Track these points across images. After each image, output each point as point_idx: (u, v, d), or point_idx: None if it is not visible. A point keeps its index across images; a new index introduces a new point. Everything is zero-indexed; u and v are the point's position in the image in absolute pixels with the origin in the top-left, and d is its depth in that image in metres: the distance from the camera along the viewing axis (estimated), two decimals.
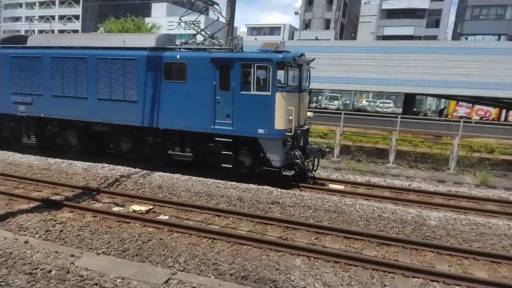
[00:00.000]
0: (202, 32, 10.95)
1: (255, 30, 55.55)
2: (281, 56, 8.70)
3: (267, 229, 6.83)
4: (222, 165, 9.44)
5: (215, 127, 9.30)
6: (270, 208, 7.83)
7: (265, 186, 9.14)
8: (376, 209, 7.86)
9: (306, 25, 46.50)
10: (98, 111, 10.60)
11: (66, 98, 10.96)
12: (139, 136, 10.58)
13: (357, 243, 6.37)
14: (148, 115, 9.97)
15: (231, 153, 9.32)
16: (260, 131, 8.87)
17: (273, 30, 55.10)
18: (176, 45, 10.47)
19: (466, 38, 34.44)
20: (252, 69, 8.78)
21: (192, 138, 9.84)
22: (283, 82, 8.72)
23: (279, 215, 7.49)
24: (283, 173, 9.06)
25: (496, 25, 33.72)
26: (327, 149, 10.10)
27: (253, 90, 8.85)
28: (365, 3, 60.58)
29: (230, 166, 9.39)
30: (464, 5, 37.47)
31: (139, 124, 10.16)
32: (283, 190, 8.88)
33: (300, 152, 9.19)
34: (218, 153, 9.46)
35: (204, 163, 10.08)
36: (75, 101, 10.84)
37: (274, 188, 8.96)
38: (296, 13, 41.31)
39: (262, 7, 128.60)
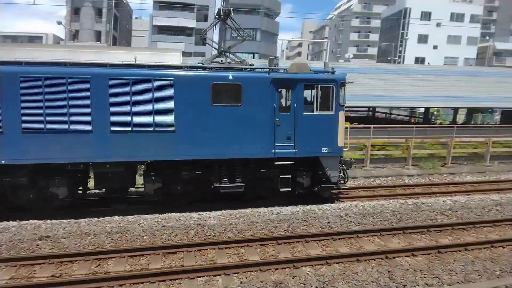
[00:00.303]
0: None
1: (9, 38, 47.39)
2: (342, 77, 9.24)
3: (35, 271, 5.91)
4: (280, 189, 9.28)
5: (276, 151, 8.99)
6: (38, 245, 6.79)
7: (33, 220, 7.91)
8: (160, 220, 8.21)
9: (74, 35, 42.69)
10: (110, 147, 8.11)
11: (50, 134, 7.76)
12: (170, 173, 8.89)
13: (143, 259, 6.44)
14: (190, 146, 8.52)
15: (290, 176, 9.24)
16: (324, 149, 9.24)
17: (33, 39, 48.91)
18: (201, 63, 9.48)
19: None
20: (316, 89, 9.02)
21: (243, 166, 9.17)
22: (342, 101, 9.25)
23: (50, 250, 6.59)
24: (341, 186, 9.89)
25: (251, 45, 42.04)
26: (353, 160, 10.88)
27: (317, 110, 9.08)
28: (136, 18, 61.89)
29: (289, 189, 9.36)
30: (224, 27, 44.93)
31: (176, 157, 8.55)
32: (53, 221, 7.88)
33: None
34: (275, 178, 9.25)
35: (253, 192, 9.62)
36: (68, 136, 7.88)
37: (42, 221, 7.85)
38: (59, 23, 36.85)
39: (19, 13, 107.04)
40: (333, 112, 9.23)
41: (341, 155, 9.60)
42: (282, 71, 9.33)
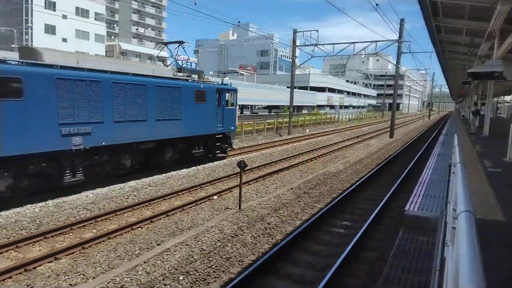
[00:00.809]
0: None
1: None
2: (237, 88, 18.00)
3: None
4: (216, 152, 16.85)
5: (217, 129, 16.07)
6: None
7: None
8: None
9: None
10: (153, 130, 12.82)
11: (127, 123, 11.78)
12: (177, 145, 14.54)
13: None
14: (187, 128, 14.37)
15: (220, 143, 16.78)
16: (232, 128, 17.12)
17: None
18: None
19: None
20: (230, 94, 16.97)
21: (203, 139, 15.65)
22: (236, 101, 17.75)
23: None
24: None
25: None
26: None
27: (229, 106, 16.83)
28: None
29: (219, 151, 17.05)
30: None
31: (182, 135, 14.28)
32: None
33: None
34: (214, 145, 16.45)
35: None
36: (135, 124, 12.12)
37: None
38: None
39: None
40: (234, 107, 17.28)
41: (235, 131, 18.16)
42: (216, 83, 16.59)
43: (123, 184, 11.79)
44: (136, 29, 76.84)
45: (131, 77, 11.96)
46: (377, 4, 19.05)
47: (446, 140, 17.92)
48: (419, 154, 18.71)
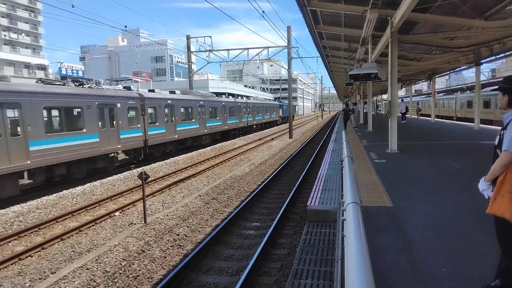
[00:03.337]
0: None
1: None
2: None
3: None
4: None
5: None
6: None
7: None
8: None
9: None
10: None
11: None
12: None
13: None
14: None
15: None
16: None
17: None
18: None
19: None
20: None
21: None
22: None
23: None
24: None
25: None
26: None
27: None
28: None
29: None
30: None
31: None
32: None
33: None
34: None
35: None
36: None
37: None
38: None
39: None
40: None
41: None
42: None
43: (4, 210, 10.31)
44: (5, 36, 67.96)
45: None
46: (263, 11, 20.04)
47: (338, 137, 19.68)
48: (316, 151, 20.19)
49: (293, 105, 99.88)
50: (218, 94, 33.94)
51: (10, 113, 11.45)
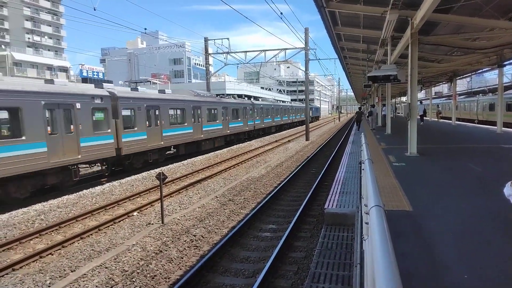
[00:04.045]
0: None
1: None
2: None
3: None
4: None
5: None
6: None
7: None
8: None
9: None
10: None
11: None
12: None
13: None
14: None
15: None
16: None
17: None
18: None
19: None
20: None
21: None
22: None
23: None
24: None
25: None
26: None
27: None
28: None
29: None
30: None
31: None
32: None
33: None
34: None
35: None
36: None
37: None
38: None
39: None
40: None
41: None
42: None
43: (26, 208, 10.58)
44: (28, 38, 69.94)
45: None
46: (281, 13, 19.97)
47: (355, 140, 19.46)
48: (333, 153, 20.02)
49: (317, 106, 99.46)
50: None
51: None
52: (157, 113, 18.31)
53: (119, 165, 16.67)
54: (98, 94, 14.56)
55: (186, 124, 20.97)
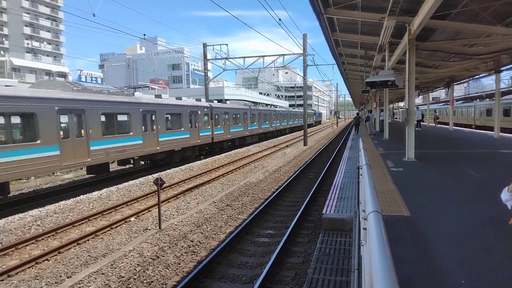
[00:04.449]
0: None
1: None
2: None
3: None
4: None
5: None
6: None
7: None
8: None
9: None
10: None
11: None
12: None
13: None
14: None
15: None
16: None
17: None
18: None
19: None
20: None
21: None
22: None
23: None
24: None
25: None
26: None
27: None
28: None
29: None
30: None
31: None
32: None
33: None
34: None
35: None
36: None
37: None
38: None
39: None
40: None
41: None
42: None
43: (23, 213, 10.51)
44: (27, 44, 70.03)
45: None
46: (280, 19, 20.08)
47: (353, 145, 19.47)
48: (331, 159, 20.00)
49: (320, 112, 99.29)
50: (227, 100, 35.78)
51: None
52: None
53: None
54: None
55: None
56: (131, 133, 16.29)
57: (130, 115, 16.35)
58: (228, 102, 32.83)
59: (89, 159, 13.93)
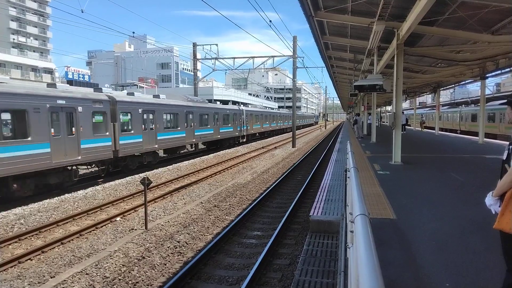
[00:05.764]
0: None
1: None
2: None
3: None
4: None
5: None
6: None
7: None
8: None
9: None
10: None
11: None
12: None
13: None
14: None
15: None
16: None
17: None
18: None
19: None
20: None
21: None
22: None
23: None
24: None
25: None
26: None
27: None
28: None
29: None
30: None
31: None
32: None
33: None
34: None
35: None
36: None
37: None
38: None
39: None
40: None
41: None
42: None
43: (6, 212, 10.30)
44: (13, 39, 68.67)
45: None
46: (270, 21, 20.11)
47: (341, 148, 19.61)
48: (319, 161, 20.11)
49: (317, 115, 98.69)
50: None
51: None
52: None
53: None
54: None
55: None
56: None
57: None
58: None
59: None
